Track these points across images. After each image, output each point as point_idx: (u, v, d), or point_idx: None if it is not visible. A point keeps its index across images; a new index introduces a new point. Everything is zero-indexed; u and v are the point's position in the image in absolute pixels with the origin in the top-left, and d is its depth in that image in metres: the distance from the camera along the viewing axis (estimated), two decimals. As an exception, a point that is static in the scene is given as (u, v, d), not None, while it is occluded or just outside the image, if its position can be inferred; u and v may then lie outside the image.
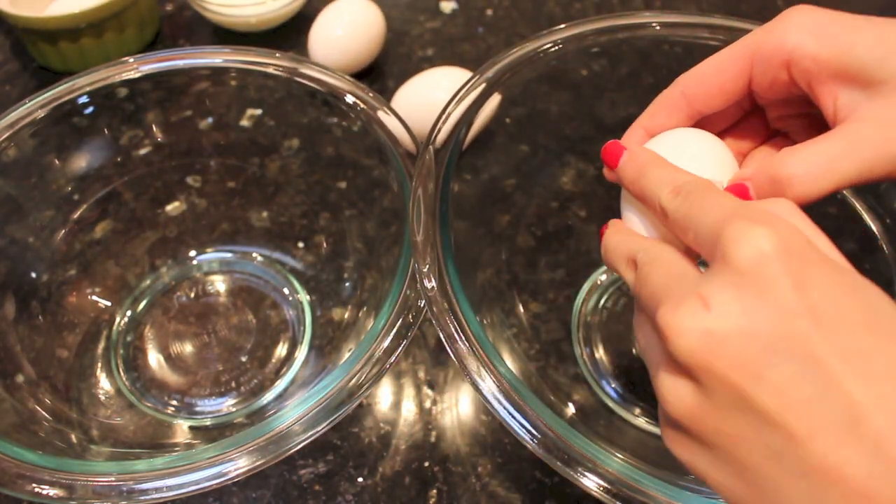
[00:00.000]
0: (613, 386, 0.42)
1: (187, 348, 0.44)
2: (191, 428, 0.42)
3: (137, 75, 0.42)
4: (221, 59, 0.43)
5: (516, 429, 0.28)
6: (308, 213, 0.48)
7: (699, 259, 0.25)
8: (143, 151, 0.46)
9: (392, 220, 0.40)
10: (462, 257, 0.35)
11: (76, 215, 0.45)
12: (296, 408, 0.30)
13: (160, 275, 0.48)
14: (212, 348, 0.44)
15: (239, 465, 0.29)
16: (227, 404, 0.42)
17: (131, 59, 0.43)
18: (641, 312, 0.24)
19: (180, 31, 0.66)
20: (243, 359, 0.44)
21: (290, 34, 0.64)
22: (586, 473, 0.27)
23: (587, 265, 0.47)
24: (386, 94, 0.58)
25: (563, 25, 0.41)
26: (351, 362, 0.31)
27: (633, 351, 0.44)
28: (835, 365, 0.19)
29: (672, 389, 0.21)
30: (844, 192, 0.41)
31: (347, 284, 0.46)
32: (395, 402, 0.43)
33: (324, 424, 0.30)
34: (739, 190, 0.26)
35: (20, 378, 0.38)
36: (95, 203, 0.45)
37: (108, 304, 0.46)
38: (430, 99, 0.50)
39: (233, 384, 0.43)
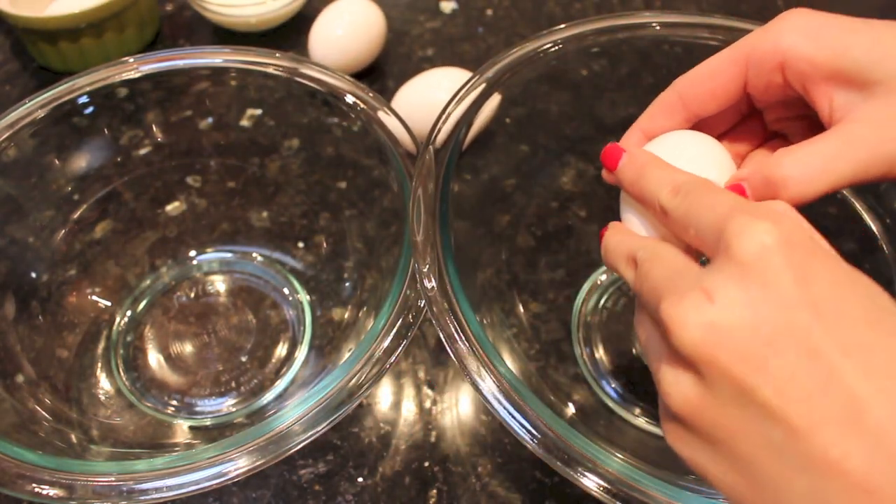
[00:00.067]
0: (613, 386, 0.42)
1: (187, 348, 0.44)
2: (191, 428, 0.42)
3: (137, 75, 0.42)
4: (221, 59, 0.43)
5: (516, 429, 0.28)
6: (308, 213, 0.48)
7: (701, 257, 0.25)
8: (143, 151, 0.46)
9: (392, 220, 0.40)
10: (462, 257, 0.35)
11: (76, 215, 0.45)
12: (296, 408, 0.30)
13: (160, 275, 0.48)
14: (212, 348, 0.44)
15: (239, 465, 0.29)
16: (227, 404, 0.42)
17: (131, 59, 0.43)
18: (642, 310, 0.24)
19: (180, 31, 0.66)
20: (243, 359, 0.44)
21: (290, 34, 0.64)
22: (586, 473, 0.27)
23: (587, 265, 0.47)
24: (386, 94, 0.58)
25: (563, 25, 0.41)
26: (351, 362, 0.31)
27: (633, 351, 0.44)
28: (836, 359, 0.19)
29: (673, 383, 0.21)
30: (844, 192, 0.41)
31: (347, 284, 0.46)
32: (395, 402, 0.43)
33: (324, 424, 0.30)
34: (736, 190, 0.26)
35: (20, 378, 0.38)
36: (95, 203, 0.45)
37: (108, 304, 0.46)
38: (430, 99, 0.50)
39: (233, 384, 0.43)
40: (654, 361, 0.23)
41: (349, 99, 0.41)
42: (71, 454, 0.35)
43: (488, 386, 0.29)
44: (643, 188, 0.26)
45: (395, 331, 0.32)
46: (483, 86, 0.39)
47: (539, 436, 0.28)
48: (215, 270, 0.48)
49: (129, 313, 0.46)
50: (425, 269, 0.32)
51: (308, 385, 0.40)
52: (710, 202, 0.23)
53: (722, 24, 0.41)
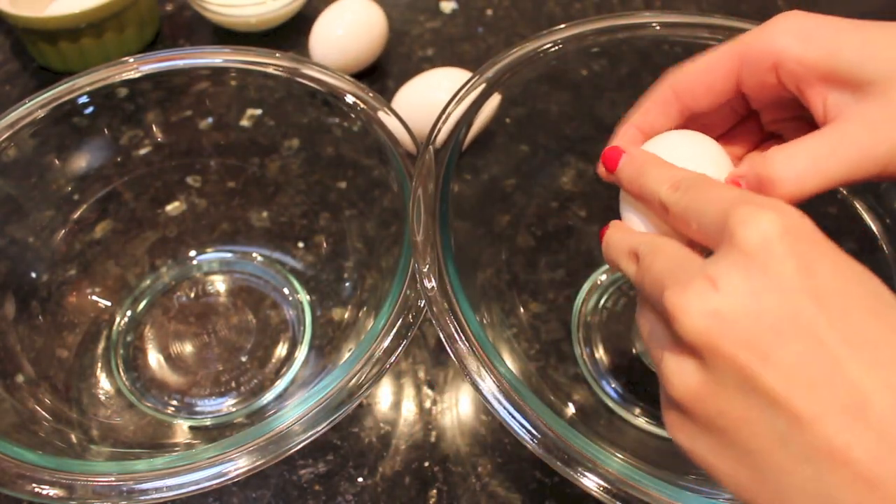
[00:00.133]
0: (613, 386, 0.42)
1: (187, 348, 0.44)
2: (191, 428, 0.42)
3: (137, 75, 0.42)
4: (221, 59, 0.43)
5: (516, 429, 0.28)
6: (308, 213, 0.48)
7: (704, 252, 0.25)
8: (143, 151, 0.46)
9: (392, 220, 0.40)
10: (462, 257, 0.35)
11: (76, 215, 0.45)
12: (296, 408, 0.30)
13: (160, 275, 0.48)
14: (212, 348, 0.44)
15: (239, 465, 0.29)
16: (227, 404, 0.42)
17: (131, 59, 0.43)
18: (644, 303, 0.24)
19: (180, 31, 0.66)
20: (243, 359, 0.44)
21: (290, 34, 0.64)
22: (586, 473, 0.27)
23: (587, 265, 0.47)
24: (386, 94, 0.58)
25: (563, 25, 0.41)
26: (351, 362, 0.31)
27: (633, 351, 0.44)
28: (840, 349, 0.19)
29: (676, 371, 0.21)
30: (844, 192, 0.41)
31: (347, 284, 0.46)
32: (395, 402, 0.43)
33: (324, 424, 0.30)
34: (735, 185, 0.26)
35: (20, 378, 0.38)
36: (95, 203, 0.45)
37: (108, 304, 0.46)
38: (430, 99, 0.50)
39: (233, 384, 0.43)
40: (657, 351, 0.23)
41: (349, 99, 0.41)
42: (71, 454, 0.35)
43: (488, 386, 0.29)
44: (643, 186, 0.26)
45: (395, 331, 0.32)
46: (483, 86, 0.39)
47: (539, 436, 0.28)
48: (215, 270, 0.48)
49: (129, 313, 0.46)
50: (425, 269, 0.32)
51: (308, 385, 0.40)
52: (712, 196, 0.23)
53: (722, 24, 0.41)
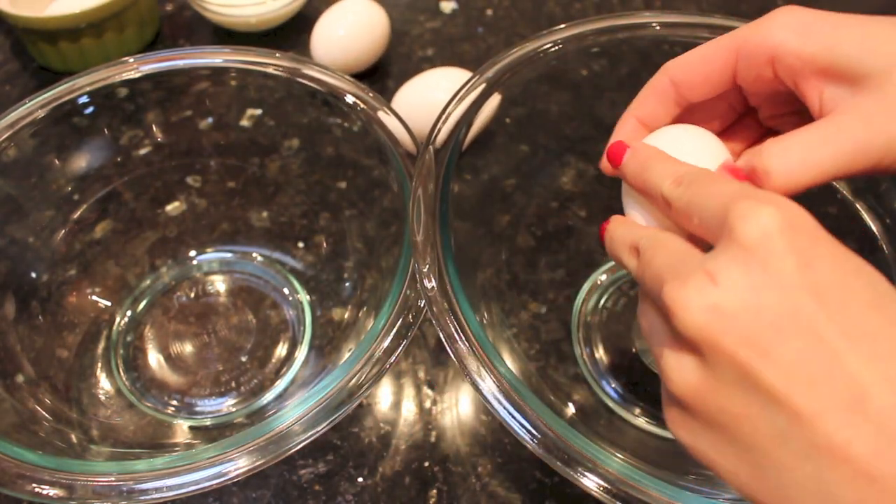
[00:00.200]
0: (613, 386, 0.42)
1: (187, 348, 0.44)
2: (191, 428, 0.42)
3: (137, 75, 0.42)
4: (221, 59, 0.43)
5: (516, 429, 0.28)
6: (308, 213, 0.48)
7: (706, 248, 0.25)
8: (143, 151, 0.46)
9: (392, 220, 0.40)
10: (462, 257, 0.35)
11: (76, 215, 0.45)
12: (296, 408, 0.30)
13: (160, 275, 0.48)
14: (212, 348, 0.44)
15: (239, 465, 0.29)
16: (227, 404, 0.42)
17: (131, 59, 0.43)
18: (645, 298, 0.24)
19: (180, 31, 0.66)
20: (243, 359, 0.44)
21: (290, 34, 0.64)
22: (586, 473, 0.27)
23: (587, 265, 0.47)
24: (386, 94, 0.58)
25: (563, 25, 0.41)
26: (351, 362, 0.31)
27: (633, 351, 0.44)
28: (840, 344, 0.19)
29: (676, 367, 0.21)
30: (844, 192, 0.41)
31: (347, 284, 0.46)
32: (395, 402, 0.43)
33: (324, 424, 0.30)
34: (735, 175, 0.26)
35: (20, 378, 0.38)
36: (95, 203, 0.45)
37: (108, 304, 0.46)
38: (430, 99, 0.50)
39: (233, 384, 0.43)
40: (657, 347, 0.23)
41: (349, 99, 0.41)
42: (71, 454, 0.35)
43: (488, 386, 0.29)
44: (646, 181, 0.26)
45: (395, 331, 0.32)
46: (483, 86, 0.39)
47: (539, 436, 0.28)
48: (215, 270, 0.48)
49: (129, 313, 0.46)
50: (425, 269, 0.32)
51: (308, 385, 0.40)
52: (713, 190, 0.23)
53: (722, 24, 0.41)
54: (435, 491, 0.39)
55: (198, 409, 0.42)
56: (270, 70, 0.42)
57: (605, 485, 0.27)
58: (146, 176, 0.47)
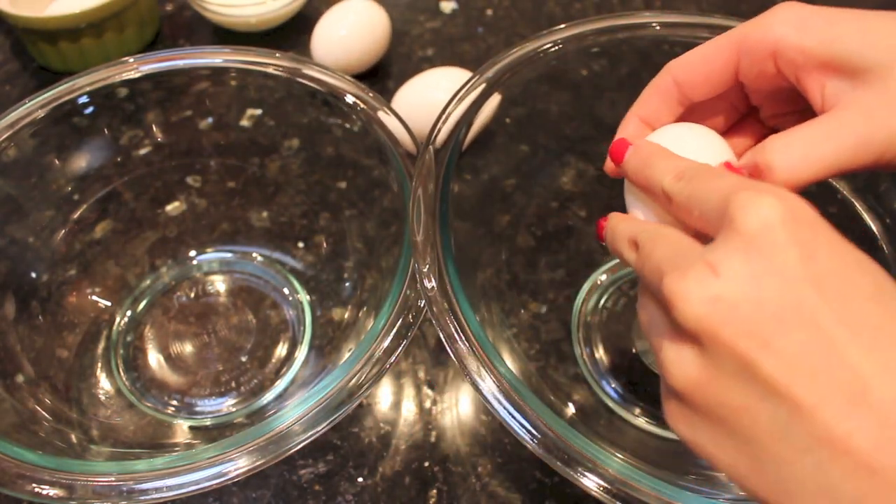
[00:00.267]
0: (613, 386, 0.42)
1: (187, 348, 0.44)
2: (191, 428, 0.42)
3: (137, 75, 0.42)
4: (221, 59, 0.43)
5: (516, 429, 0.28)
6: (308, 213, 0.48)
7: (706, 243, 0.25)
8: (143, 151, 0.46)
9: (392, 220, 0.40)
10: (462, 257, 0.35)
11: (76, 215, 0.45)
12: (296, 408, 0.30)
13: (160, 275, 0.48)
14: (212, 348, 0.44)
15: (239, 465, 0.29)
16: (227, 404, 0.42)
17: (131, 59, 0.43)
18: (644, 291, 0.24)
19: (180, 31, 0.66)
20: (243, 359, 0.44)
21: (290, 34, 0.64)
22: (586, 473, 0.27)
23: (587, 265, 0.47)
24: (386, 94, 0.58)
25: (563, 25, 0.41)
26: (351, 362, 0.31)
27: (633, 351, 0.44)
28: (841, 336, 0.19)
29: (675, 359, 0.21)
30: (844, 192, 0.41)
31: (347, 284, 0.46)
32: (395, 402, 0.43)
33: (324, 424, 0.30)
34: (737, 173, 0.26)
35: (20, 378, 0.38)
36: (95, 203, 0.45)
37: (108, 304, 0.46)
38: (430, 99, 0.50)
39: (233, 384, 0.43)
40: (657, 340, 0.23)
41: (349, 99, 0.41)
42: (71, 454, 0.35)
43: (488, 386, 0.29)
44: (648, 176, 0.26)
45: (395, 331, 0.32)
46: (483, 86, 0.39)
47: (539, 436, 0.28)
48: (215, 270, 0.48)
49: (129, 313, 0.46)
50: (425, 269, 0.32)
51: (308, 385, 0.40)
52: (714, 184, 0.23)
53: (722, 24, 0.41)
54: (435, 491, 0.39)
55: (198, 409, 0.42)
56: (270, 70, 0.42)
57: (605, 485, 0.27)
58: (146, 176, 0.47)
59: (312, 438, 0.29)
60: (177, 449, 0.40)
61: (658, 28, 0.41)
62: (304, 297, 0.46)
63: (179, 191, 0.48)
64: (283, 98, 0.46)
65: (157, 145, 0.47)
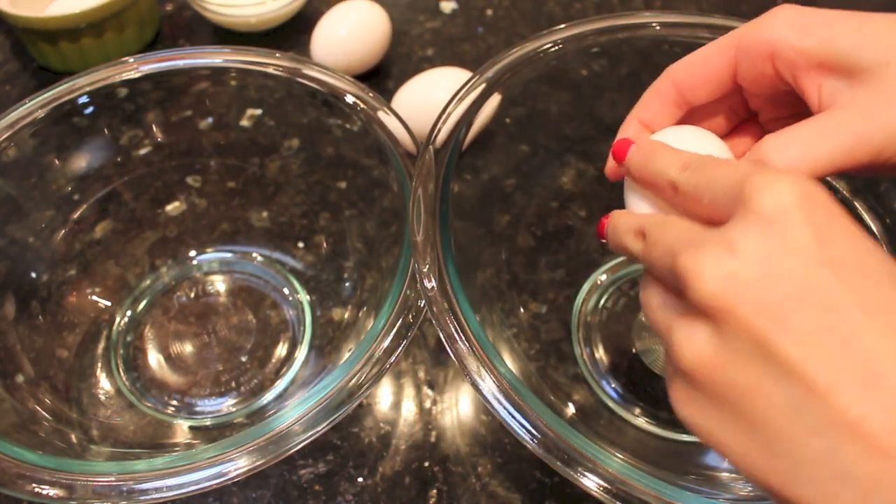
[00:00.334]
0: (613, 386, 0.42)
1: (187, 348, 0.44)
2: (191, 428, 0.42)
3: (137, 75, 0.42)
4: (221, 59, 0.43)
5: (516, 429, 0.28)
6: (308, 213, 0.48)
7: None
8: (143, 151, 0.46)
9: (392, 220, 0.40)
10: (462, 257, 0.35)
11: (76, 215, 0.45)
12: (296, 408, 0.30)
13: (160, 275, 0.48)
14: (212, 348, 0.44)
15: (239, 465, 0.29)
16: (227, 404, 0.42)
17: (131, 59, 0.43)
18: (649, 277, 0.24)
19: (180, 31, 0.66)
20: (243, 359, 0.44)
21: (290, 34, 0.64)
22: (586, 473, 0.27)
23: (587, 265, 0.47)
24: (386, 94, 0.58)
25: (563, 25, 0.41)
26: (351, 362, 0.31)
27: (633, 351, 0.44)
28: (857, 317, 0.18)
29: (686, 338, 0.21)
30: (844, 192, 0.41)
31: (347, 284, 0.46)
32: (395, 402, 0.43)
33: (324, 424, 0.30)
34: None
35: (20, 378, 0.38)
36: (95, 203, 0.45)
37: (108, 304, 0.46)
38: (430, 99, 0.50)
39: (233, 384, 0.43)
40: (665, 322, 0.22)
41: (349, 99, 0.41)
42: (71, 454, 0.35)
43: (488, 386, 0.29)
44: (653, 170, 0.26)
45: (395, 331, 0.32)
46: (483, 86, 0.39)
47: (539, 436, 0.28)
48: (215, 270, 0.48)
49: (129, 313, 0.46)
50: (425, 269, 0.32)
51: (308, 385, 0.40)
52: (723, 171, 0.23)
53: (722, 24, 0.41)
54: (435, 491, 0.39)
55: (198, 409, 0.42)
56: (270, 70, 0.42)
57: (605, 485, 0.27)
58: (146, 176, 0.47)
59: (312, 438, 0.29)
60: (177, 449, 0.40)
61: (658, 28, 0.41)
62: (304, 297, 0.46)
63: (179, 191, 0.48)
64: (283, 98, 0.46)
65: (157, 145, 0.47)
